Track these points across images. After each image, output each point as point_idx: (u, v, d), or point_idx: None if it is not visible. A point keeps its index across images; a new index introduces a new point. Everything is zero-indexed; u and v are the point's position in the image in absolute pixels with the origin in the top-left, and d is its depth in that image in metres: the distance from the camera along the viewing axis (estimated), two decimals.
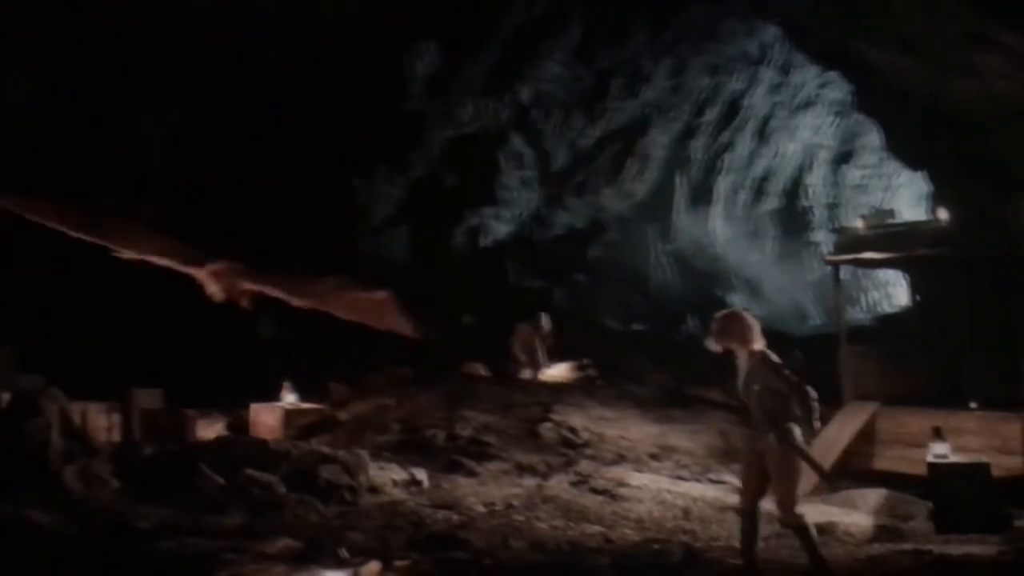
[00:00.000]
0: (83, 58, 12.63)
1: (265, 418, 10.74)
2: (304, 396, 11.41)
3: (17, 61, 12.06)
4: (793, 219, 24.68)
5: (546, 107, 19.42)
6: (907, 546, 6.88)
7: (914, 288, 13.22)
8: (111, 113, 13.39)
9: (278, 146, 15.25)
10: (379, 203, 17.65)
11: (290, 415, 10.75)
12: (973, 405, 9.51)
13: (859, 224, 12.22)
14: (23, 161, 12.47)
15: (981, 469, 7.76)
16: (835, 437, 9.66)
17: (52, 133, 12.69)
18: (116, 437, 9.29)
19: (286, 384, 11.22)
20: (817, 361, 11.34)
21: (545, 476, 8.93)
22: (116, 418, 9.41)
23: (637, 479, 8.79)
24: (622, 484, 8.54)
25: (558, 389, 13.02)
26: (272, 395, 11.17)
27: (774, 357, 5.36)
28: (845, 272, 12.55)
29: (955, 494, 7.56)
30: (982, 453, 8.45)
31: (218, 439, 9.54)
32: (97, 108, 13.18)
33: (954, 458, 7.90)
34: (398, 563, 5.27)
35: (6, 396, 8.02)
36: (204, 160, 14.73)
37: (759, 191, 24.16)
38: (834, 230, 16.46)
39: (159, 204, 14.37)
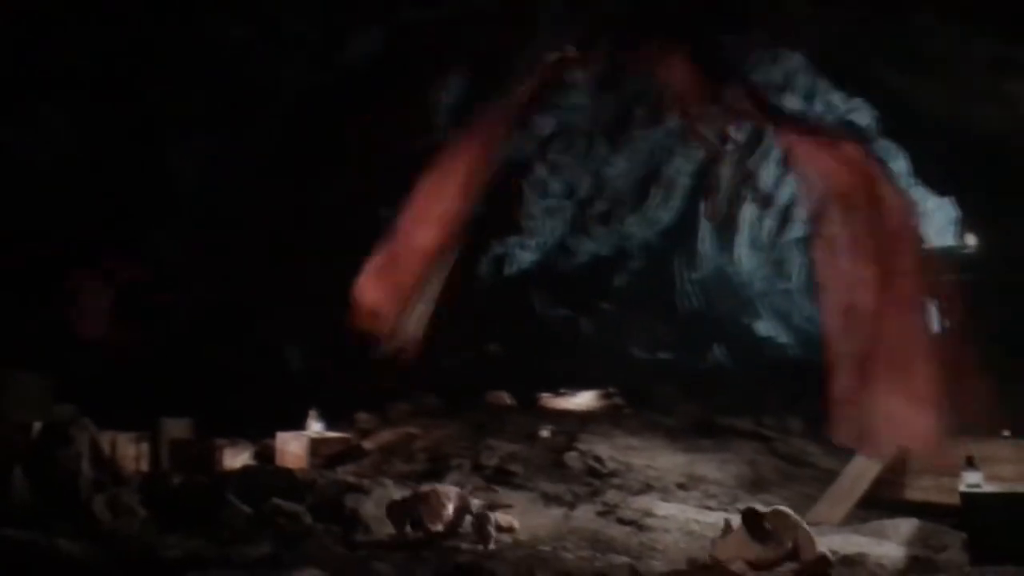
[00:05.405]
0: (119, 91, 12.84)
1: (292, 447, 10.77)
2: (330, 425, 11.44)
3: (56, 93, 12.29)
4: None
5: (570, 135, 19.46)
6: None
7: (943, 314, 13.07)
8: (143, 146, 13.62)
9: (305, 178, 15.38)
10: None
11: (316, 444, 10.79)
12: (1006, 433, 9.37)
13: None
14: (61, 191, 12.71)
15: (1016, 499, 7.62)
16: (864, 466, 9.54)
17: (90, 164, 12.96)
18: (145, 466, 9.37)
19: (312, 413, 11.26)
20: None
21: (571, 506, 8.88)
22: (145, 447, 9.49)
23: (664, 509, 8.71)
24: (649, 514, 8.47)
25: (584, 418, 12.96)
26: (299, 423, 11.21)
27: None
28: None
29: (990, 524, 7.42)
30: (1016, 482, 8.30)
31: (245, 469, 9.62)
32: (131, 141, 13.40)
33: (988, 487, 7.76)
34: None
35: (38, 425, 8.11)
36: (233, 194, 14.88)
37: (784, 219, 24.06)
38: None
39: (188, 235, 14.59)
